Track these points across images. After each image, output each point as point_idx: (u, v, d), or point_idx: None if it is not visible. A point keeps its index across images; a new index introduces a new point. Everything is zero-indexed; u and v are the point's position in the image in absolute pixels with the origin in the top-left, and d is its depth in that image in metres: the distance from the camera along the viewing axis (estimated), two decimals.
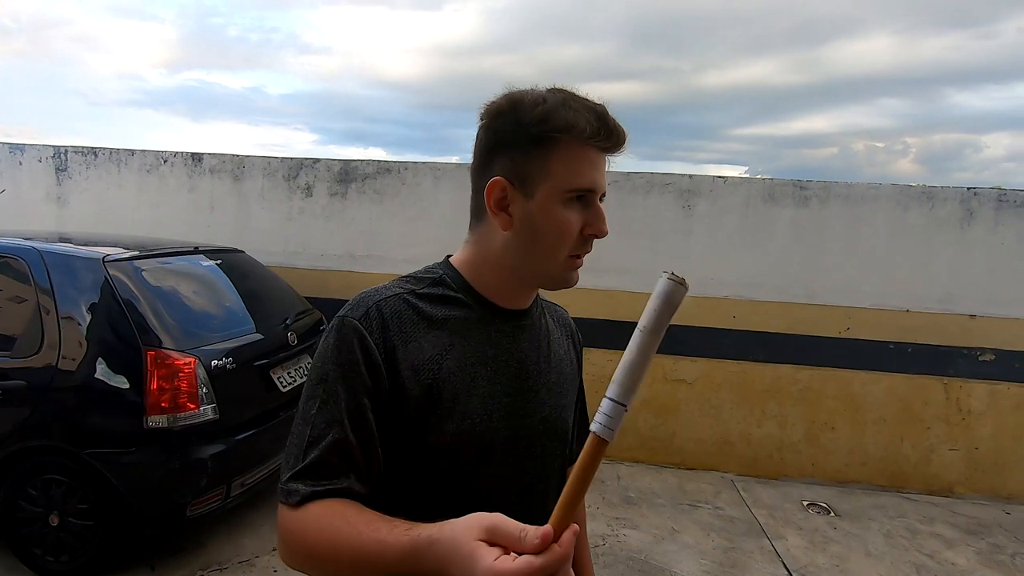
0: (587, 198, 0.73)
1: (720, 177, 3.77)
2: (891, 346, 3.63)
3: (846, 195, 3.64)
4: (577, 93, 0.74)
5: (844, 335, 3.67)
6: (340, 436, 0.68)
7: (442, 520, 0.58)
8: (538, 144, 0.72)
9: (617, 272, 3.84)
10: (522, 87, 0.75)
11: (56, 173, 4.27)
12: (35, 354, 2.35)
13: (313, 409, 0.70)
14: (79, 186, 4.27)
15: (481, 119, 0.77)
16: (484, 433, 0.75)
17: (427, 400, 0.72)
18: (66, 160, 4.25)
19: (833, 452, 3.73)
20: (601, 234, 0.75)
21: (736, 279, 3.75)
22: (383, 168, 4.02)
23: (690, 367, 3.82)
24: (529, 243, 0.75)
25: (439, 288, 0.79)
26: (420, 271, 0.83)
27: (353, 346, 0.71)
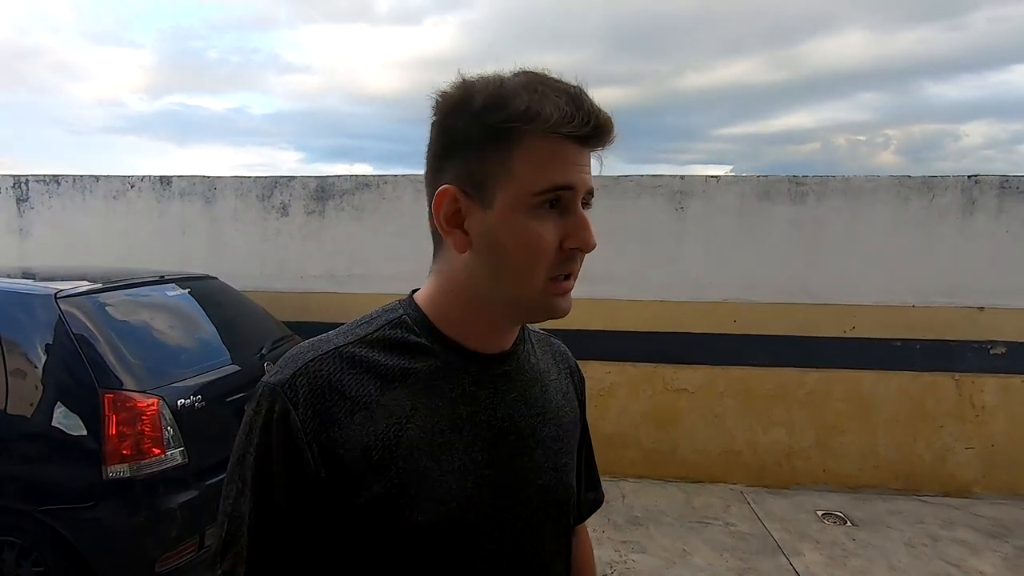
0: (564, 201, 0.58)
1: (713, 176, 3.64)
2: (898, 343, 3.50)
3: (844, 189, 3.51)
4: (550, 75, 0.59)
5: (849, 334, 3.53)
6: (248, 544, 0.56)
7: None
8: (495, 139, 0.57)
9: (608, 280, 3.69)
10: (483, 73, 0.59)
11: (17, 204, 4.06)
12: None
13: (231, 497, 0.58)
14: (41, 216, 4.06)
15: (431, 115, 0.61)
16: (466, 519, 0.59)
17: (384, 487, 0.56)
18: (27, 190, 4.04)
19: (844, 457, 3.58)
20: (585, 247, 0.58)
21: (734, 281, 3.61)
22: (361, 183, 3.85)
23: (691, 375, 3.67)
24: (493, 266, 0.59)
25: (398, 331, 0.63)
26: (377, 311, 0.67)
27: (271, 425, 0.56)
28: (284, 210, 3.91)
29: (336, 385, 0.58)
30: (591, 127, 0.56)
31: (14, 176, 4.06)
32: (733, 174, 3.76)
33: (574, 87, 0.58)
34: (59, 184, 4.04)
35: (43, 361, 2.22)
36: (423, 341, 0.62)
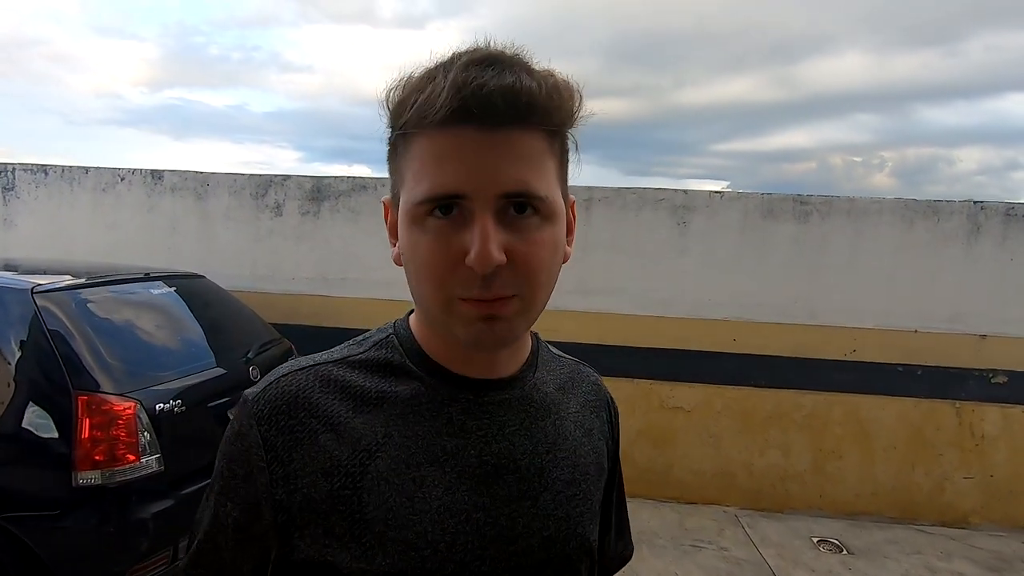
0: (463, 209, 0.47)
1: (716, 192, 3.60)
2: (899, 368, 3.44)
3: (848, 210, 3.46)
4: (479, 51, 0.47)
5: (849, 357, 3.47)
6: (195, 552, 0.56)
7: None
8: (392, 143, 0.52)
9: (607, 293, 3.62)
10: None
11: (2, 192, 3.95)
12: None
13: (202, 501, 0.57)
14: (27, 207, 3.95)
15: None
16: (443, 570, 0.50)
17: (342, 520, 0.50)
18: (13, 179, 3.94)
19: (841, 482, 3.50)
20: (475, 267, 0.45)
21: (735, 299, 3.55)
22: (358, 185, 3.77)
23: (688, 393, 3.59)
24: (409, 283, 0.53)
25: (383, 352, 0.56)
26: (374, 330, 0.61)
27: (237, 438, 0.53)
28: (278, 210, 3.82)
29: (304, 403, 0.52)
30: (485, 107, 0.44)
31: (0, 164, 3.95)
32: (732, 190, 3.72)
33: (476, 54, 0.46)
34: (47, 174, 3.94)
35: (16, 358, 2.11)
36: (406, 362, 0.56)
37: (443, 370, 0.55)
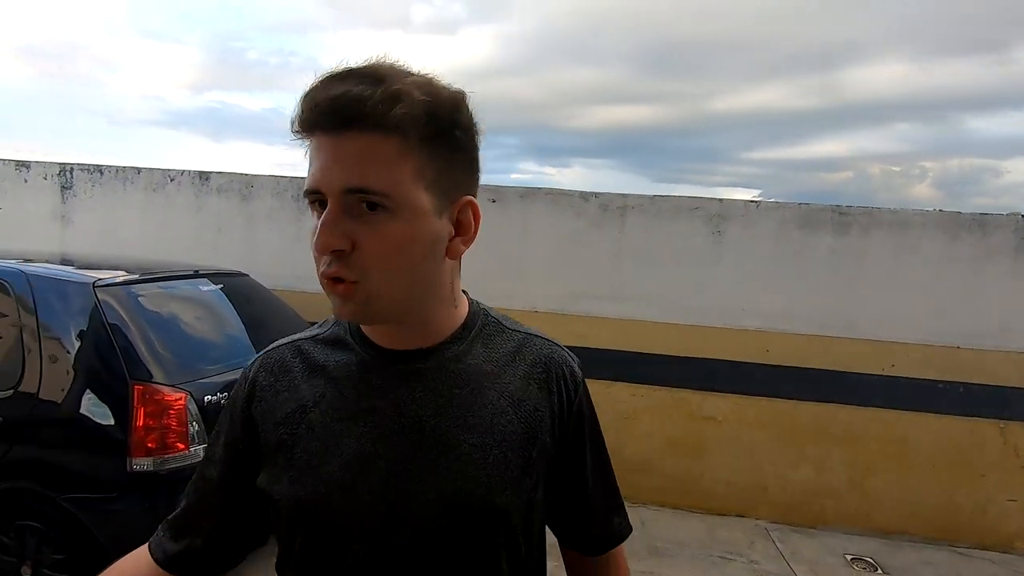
0: (323, 204, 0.56)
1: (752, 201, 3.56)
2: (940, 385, 3.35)
3: (890, 222, 3.40)
4: (353, 68, 0.55)
5: (888, 372, 3.40)
6: (194, 477, 0.71)
7: None
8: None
9: (640, 300, 3.62)
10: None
11: (61, 191, 4.15)
12: (14, 386, 2.16)
13: (206, 452, 0.72)
14: (84, 204, 4.15)
15: None
16: (344, 507, 0.60)
17: (278, 457, 0.64)
18: (72, 178, 4.14)
19: (878, 500, 3.42)
20: (314, 249, 0.56)
21: (770, 310, 3.51)
22: None
23: (719, 403, 3.56)
24: None
25: (338, 329, 0.69)
26: None
27: (235, 393, 0.69)
28: None
29: (279, 369, 0.68)
30: (307, 115, 0.54)
31: (60, 164, 4.16)
32: (764, 198, 3.68)
33: (333, 73, 0.54)
34: (102, 173, 4.13)
35: (76, 348, 2.23)
36: (347, 338, 0.67)
37: (372, 344, 0.65)
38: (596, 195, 3.67)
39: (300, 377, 0.66)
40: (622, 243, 3.64)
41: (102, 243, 4.05)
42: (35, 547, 2.12)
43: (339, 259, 0.55)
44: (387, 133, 0.53)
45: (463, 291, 0.69)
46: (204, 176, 4.04)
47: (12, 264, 2.39)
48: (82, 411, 2.14)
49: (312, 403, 0.64)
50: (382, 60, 0.56)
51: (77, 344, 2.24)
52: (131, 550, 2.45)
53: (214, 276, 2.90)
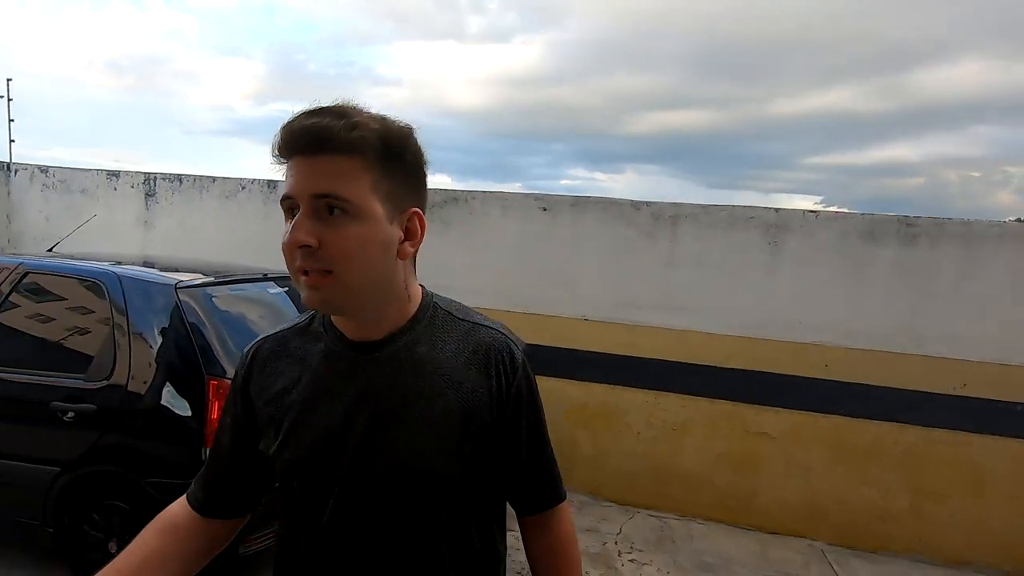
0: (295, 208, 0.69)
1: (812, 211, 3.46)
2: (1018, 407, 3.15)
3: (963, 234, 3.23)
4: (324, 106, 0.69)
5: (959, 392, 3.22)
6: (213, 447, 0.87)
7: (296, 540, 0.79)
8: None
9: (691, 311, 3.58)
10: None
11: (145, 198, 4.50)
12: (107, 377, 2.37)
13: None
14: (165, 211, 4.47)
15: None
16: (316, 466, 0.76)
17: (270, 429, 0.79)
18: (155, 186, 4.48)
19: (944, 527, 3.24)
20: (286, 243, 0.68)
21: (829, 324, 3.40)
22: (450, 197, 3.96)
23: (774, 419, 3.47)
24: None
25: (314, 322, 0.82)
26: None
27: (235, 376, 0.84)
28: None
29: (268, 356, 0.82)
30: (294, 142, 0.67)
31: (145, 173, 4.51)
32: (825, 205, 3.57)
33: (308, 111, 0.68)
34: (181, 182, 4.44)
35: (158, 344, 2.42)
36: (321, 329, 0.80)
37: (340, 334, 0.78)
38: (648, 204, 3.66)
39: (284, 363, 0.80)
40: (674, 252, 3.62)
41: (180, 246, 4.35)
42: (121, 525, 2.31)
43: (307, 254, 0.67)
44: (350, 154, 0.67)
45: (420, 285, 0.82)
46: (272, 184, 4.28)
47: (106, 266, 2.62)
48: (163, 402, 2.32)
49: (292, 385, 0.78)
50: (345, 102, 0.71)
51: (160, 340, 2.43)
52: None
53: (280, 280, 3.07)
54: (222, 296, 2.67)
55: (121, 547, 2.29)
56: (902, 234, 3.31)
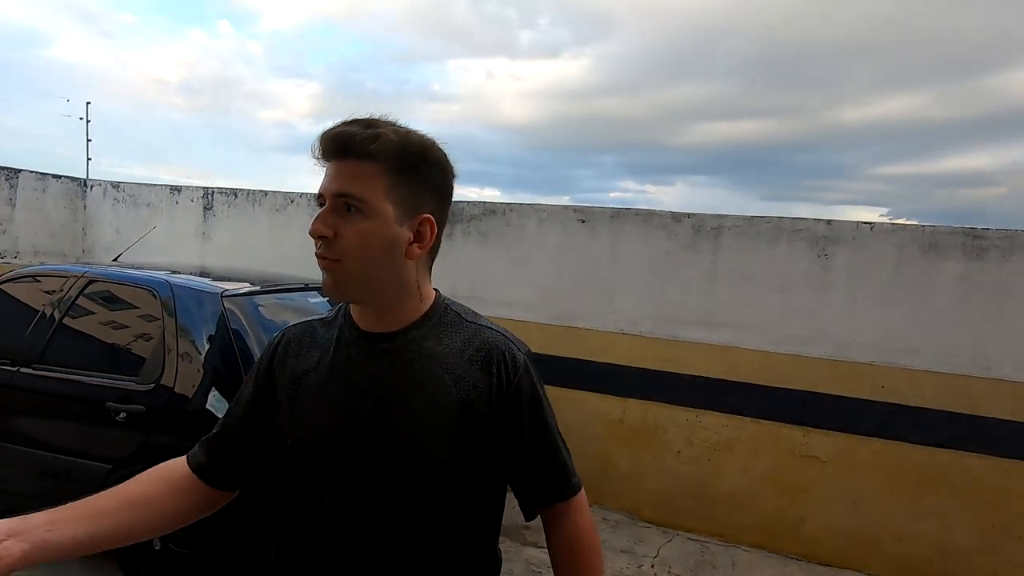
0: (323, 203, 0.78)
1: (865, 223, 3.28)
2: None
3: None
4: (357, 117, 0.78)
5: None
6: (226, 415, 0.92)
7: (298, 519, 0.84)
8: None
9: (735, 327, 3.45)
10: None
11: (204, 212, 4.75)
12: (156, 380, 2.50)
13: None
14: (221, 223, 4.72)
15: None
16: (323, 445, 0.81)
17: (287, 407, 0.85)
18: (212, 200, 4.73)
19: (1020, 568, 2.96)
20: (310, 232, 0.77)
21: (885, 342, 3.19)
22: (488, 209, 3.99)
23: (824, 442, 3.28)
24: None
25: (336, 315, 0.89)
26: None
27: (263, 354, 0.91)
28: None
29: (294, 341, 0.89)
30: (324, 148, 0.77)
31: (203, 188, 4.77)
32: (886, 218, 3.36)
33: (344, 120, 0.78)
34: (236, 196, 4.67)
35: (206, 349, 2.53)
36: (342, 322, 0.87)
37: (355, 325, 0.84)
38: (688, 215, 3.57)
39: (307, 348, 0.87)
40: (716, 266, 3.51)
41: (235, 257, 4.57)
42: None
43: (325, 245, 0.76)
44: (368, 160, 0.75)
45: (435, 289, 0.88)
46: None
47: (159, 275, 2.78)
48: (207, 406, 2.42)
49: (311, 368, 0.85)
50: (380, 116, 0.79)
51: (207, 346, 2.54)
52: (238, 531, 2.69)
53: (320, 290, 3.16)
54: (265, 304, 2.77)
55: (164, 545, 2.41)
56: (968, 247, 3.09)
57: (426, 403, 0.79)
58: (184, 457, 0.91)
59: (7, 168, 4.68)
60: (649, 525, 3.52)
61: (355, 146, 0.74)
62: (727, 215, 3.51)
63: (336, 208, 0.76)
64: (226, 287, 2.67)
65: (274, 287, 2.94)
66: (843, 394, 3.24)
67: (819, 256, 3.33)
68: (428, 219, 0.80)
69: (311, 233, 0.76)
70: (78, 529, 0.76)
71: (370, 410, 0.79)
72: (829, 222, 3.33)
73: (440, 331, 0.83)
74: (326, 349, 0.85)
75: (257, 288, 2.82)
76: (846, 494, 3.23)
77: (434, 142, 0.80)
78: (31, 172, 4.87)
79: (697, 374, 3.52)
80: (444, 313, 0.86)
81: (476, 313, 0.89)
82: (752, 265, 3.44)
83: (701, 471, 3.50)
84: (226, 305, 2.56)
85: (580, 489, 0.88)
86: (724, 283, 3.49)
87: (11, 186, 4.71)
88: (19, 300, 2.99)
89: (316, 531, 0.82)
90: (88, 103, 6.51)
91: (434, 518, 0.80)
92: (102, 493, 0.82)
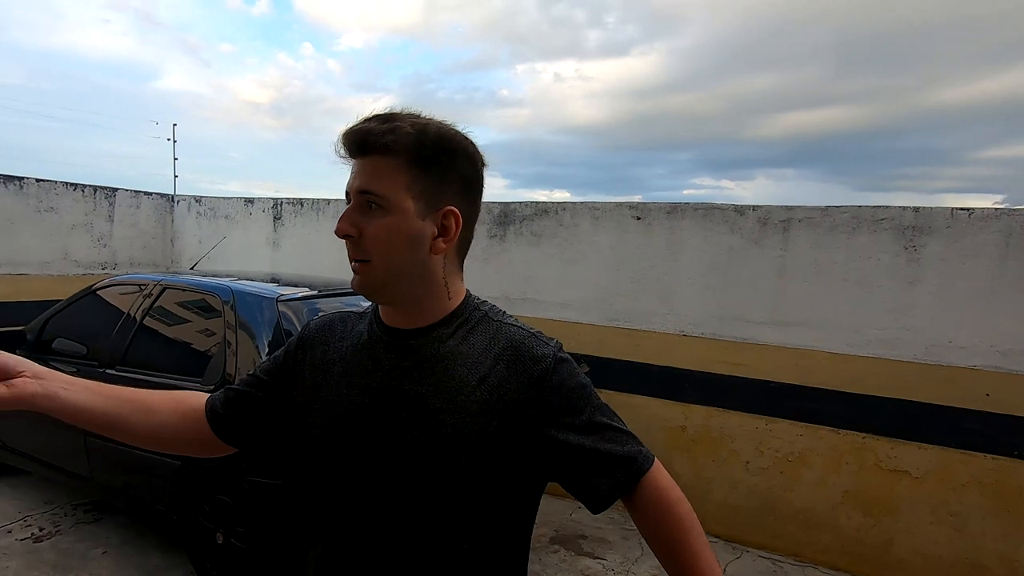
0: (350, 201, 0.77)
1: (962, 209, 2.91)
2: None
3: None
4: (380, 112, 0.77)
5: None
6: (251, 374, 0.93)
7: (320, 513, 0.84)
8: None
9: (809, 326, 3.18)
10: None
11: (273, 221, 5.00)
12: (218, 381, 2.62)
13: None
14: (288, 232, 4.94)
15: None
16: (341, 437, 0.80)
17: (311, 394, 0.85)
18: (281, 210, 4.96)
19: None
20: (336, 232, 0.77)
21: (989, 345, 2.82)
22: (540, 210, 3.92)
23: (917, 455, 2.94)
24: None
25: (370, 310, 0.88)
26: None
27: (296, 336, 0.92)
28: None
29: (325, 331, 0.89)
30: (347, 146, 0.76)
31: (273, 199, 5.02)
32: (1001, 205, 2.96)
33: (364, 117, 0.76)
34: (302, 206, 4.88)
35: (265, 352, 2.63)
36: (371, 316, 0.86)
37: (381, 322, 0.83)
38: (753, 208, 3.33)
39: (338, 338, 0.87)
40: (786, 261, 3.24)
41: (302, 264, 4.77)
42: (227, 518, 2.52)
43: (353, 245, 0.76)
44: (386, 155, 0.73)
45: (467, 289, 0.85)
46: None
47: (224, 281, 2.93)
48: None
49: (338, 359, 0.85)
50: (401, 109, 0.77)
51: (266, 349, 2.64)
52: (286, 530, 2.76)
53: None
54: (323, 308, 2.85)
55: (226, 538, 2.52)
56: None
57: (447, 403, 0.75)
58: (206, 397, 0.93)
59: (106, 188, 5.15)
60: (715, 539, 3.30)
61: (372, 141, 0.73)
62: (797, 206, 3.24)
63: (360, 206, 0.75)
64: (283, 292, 2.77)
65: (327, 291, 3.02)
66: (938, 402, 2.89)
67: (906, 248, 3.00)
68: (452, 211, 0.76)
69: (336, 233, 0.75)
70: (87, 400, 0.81)
71: (390, 406, 0.77)
72: (917, 209, 2.99)
73: (467, 330, 0.81)
74: (355, 342, 0.84)
75: (314, 293, 2.90)
76: (943, 514, 2.87)
77: (456, 131, 0.77)
78: (126, 190, 5.33)
79: (767, 379, 3.27)
80: (472, 312, 0.83)
81: (504, 312, 0.85)
82: (827, 259, 3.15)
83: (772, 483, 3.24)
84: (281, 309, 2.65)
85: (653, 457, 0.80)
86: (796, 279, 3.22)
87: (110, 204, 5.17)
88: (109, 306, 3.25)
89: (333, 528, 0.81)
90: (175, 125, 7.07)
91: (452, 526, 0.76)
92: (126, 388, 0.87)
